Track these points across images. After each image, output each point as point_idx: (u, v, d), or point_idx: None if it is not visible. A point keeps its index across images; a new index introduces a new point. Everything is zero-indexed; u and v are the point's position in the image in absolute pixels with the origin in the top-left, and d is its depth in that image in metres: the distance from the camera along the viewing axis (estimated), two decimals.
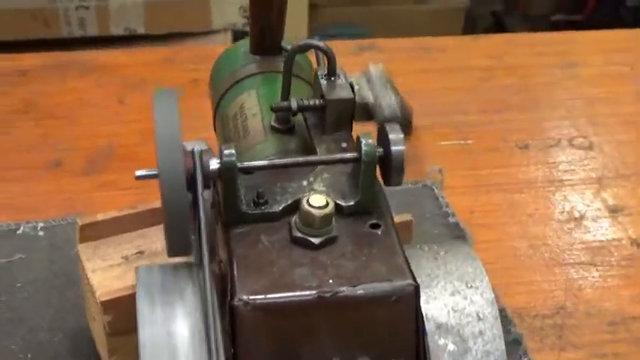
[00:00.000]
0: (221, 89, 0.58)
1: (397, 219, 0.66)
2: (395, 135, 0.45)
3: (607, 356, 0.67)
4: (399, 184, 0.45)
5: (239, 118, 0.54)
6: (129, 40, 1.78)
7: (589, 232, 0.78)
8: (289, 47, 0.57)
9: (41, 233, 0.76)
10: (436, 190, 0.81)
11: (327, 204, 0.44)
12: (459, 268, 0.45)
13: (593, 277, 0.73)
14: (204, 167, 0.43)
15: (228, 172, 0.44)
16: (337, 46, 1.03)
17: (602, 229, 0.78)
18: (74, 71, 0.96)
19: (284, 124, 0.52)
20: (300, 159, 0.47)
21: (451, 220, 0.78)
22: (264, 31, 0.55)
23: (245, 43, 0.59)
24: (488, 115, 0.92)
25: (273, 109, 0.50)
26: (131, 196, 0.73)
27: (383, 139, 0.46)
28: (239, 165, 0.44)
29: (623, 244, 0.76)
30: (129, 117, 0.90)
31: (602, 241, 0.77)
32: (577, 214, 0.79)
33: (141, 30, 1.76)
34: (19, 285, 0.71)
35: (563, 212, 0.80)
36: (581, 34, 1.08)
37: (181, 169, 0.41)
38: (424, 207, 0.80)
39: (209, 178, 0.44)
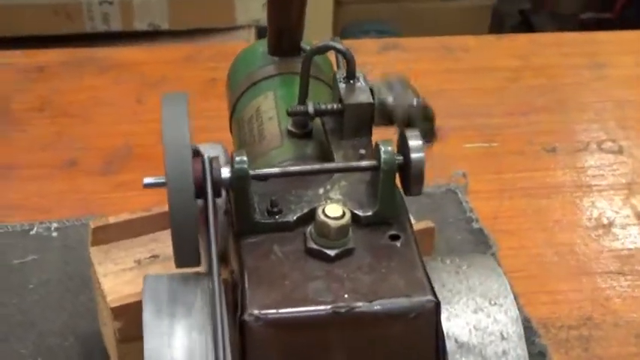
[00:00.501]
0: (237, 91, 0.56)
1: (419, 226, 0.64)
2: (415, 142, 0.43)
3: None
4: (419, 193, 0.43)
5: (255, 121, 0.52)
6: (152, 35, 1.77)
7: (617, 239, 0.75)
8: (308, 48, 0.55)
9: (55, 234, 0.74)
10: (460, 195, 0.79)
11: (344, 214, 0.42)
12: (483, 283, 0.42)
13: (621, 286, 0.71)
14: (215, 175, 0.41)
15: (240, 180, 0.42)
16: (361, 45, 1.02)
17: (632, 237, 0.75)
18: (92, 68, 0.95)
19: (301, 128, 0.50)
20: (316, 166, 0.44)
21: (475, 225, 0.76)
22: (282, 32, 0.53)
23: (263, 44, 0.57)
24: (514, 118, 0.89)
25: (289, 114, 0.48)
26: (148, 197, 0.71)
27: (403, 146, 0.43)
28: (251, 173, 0.42)
29: None
30: (147, 116, 0.89)
31: (630, 249, 0.74)
32: (605, 221, 0.77)
33: (165, 26, 1.75)
34: (31, 287, 0.69)
35: (590, 219, 0.77)
36: (611, 34, 1.06)
37: (190, 179, 0.39)
38: (447, 212, 0.78)
39: (220, 186, 0.42)
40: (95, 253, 0.61)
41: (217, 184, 0.41)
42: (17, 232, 0.74)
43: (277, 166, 0.48)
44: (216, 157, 0.42)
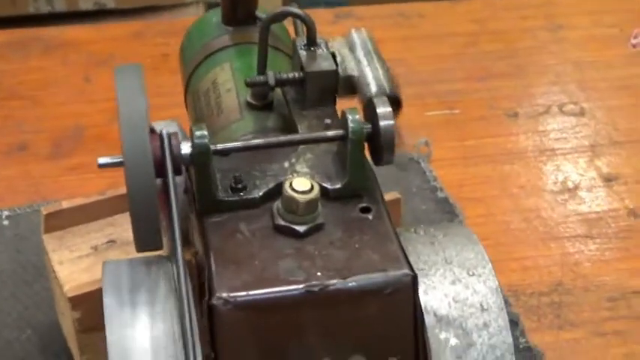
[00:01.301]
0: (192, 63, 0.53)
1: (386, 197, 0.62)
2: (383, 109, 0.41)
3: (607, 334, 0.63)
4: (390, 162, 0.41)
5: (212, 94, 0.50)
6: (98, 15, 1.72)
7: (584, 202, 0.74)
8: (264, 16, 0.53)
9: (6, 222, 0.71)
10: (423, 164, 0.78)
11: (312, 188, 0.39)
12: (459, 253, 0.41)
13: (590, 250, 0.70)
14: (175, 152, 0.39)
15: (201, 156, 0.39)
16: (314, 15, 0.98)
17: (598, 200, 0.74)
18: (38, 49, 0.91)
19: (261, 100, 0.47)
20: (281, 138, 0.42)
21: (440, 194, 0.75)
22: (235, 1, 0.51)
23: (217, 13, 0.54)
24: (473, 83, 0.88)
25: (247, 84, 0.46)
26: (102, 180, 0.69)
27: (371, 114, 0.41)
28: (213, 148, 0.40)
29: (620, 214, 0.73)
30: (96, 96, 0.86)
31: (598, 212, 0.73)
32: (571, 185, 0.76)
33: (111, 4, 1.71)
34: None
35: (556, 183, 0.76)
36: None
37: (149, 157, 0.37)
38: (411, 182, 0.76)
39: (180, 163, 0.39)
40: (49, 240, 0.58)
41: (177, 161, 0.39)
42: None
43: (239, 140, 0.45)
44: (175, 133, 0.40)
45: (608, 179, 0.76)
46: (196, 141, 0.39)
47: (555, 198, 0.75)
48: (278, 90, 0.47)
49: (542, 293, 0.66)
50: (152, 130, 0.54)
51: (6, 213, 0.72)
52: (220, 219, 0.40)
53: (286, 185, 0.39)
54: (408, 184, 0.76)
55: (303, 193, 0.39)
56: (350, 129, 0.40)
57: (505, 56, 0.91)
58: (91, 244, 0.58)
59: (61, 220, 0.59)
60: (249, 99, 0.48)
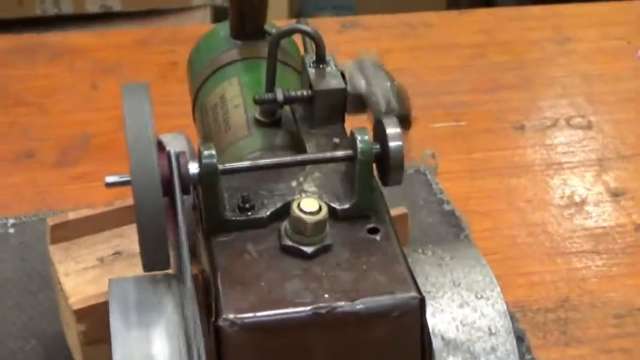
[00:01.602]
0: (200, 77, 0.53)
1: (392, 212, 0.62)
2: (392, 129, 0.40)
3: (613, 351, 0.63)
4: (399, 182, 0.41)
5: (220, 110, 0.50)
6: (104, 18, 1.73)
7: (591, 217, 0.74)
8: (273, 31, 0.53)
9: (11, 230, 0.71)
10: (429, 176, 0.77)
11: (320, 208, 0.39)
12: (467, 275, 0.40)
13: (597, 266, 0.70)
14: (182, 171, 0.39)
15: (209, 176, 0.39)
16: (320, 24, 0.99)
17: (605, 214, 0.74)
18: (44, 55, 0.91)
19: (269, 116, 0.47)
20: (289, 158, 0.42)
21: (446, 207, 0.74)
22: (244, 15, 0.51)
23: (225, 27, 0.54)
24: (480, 95, 0.87)
25: (256, 102, 0.45)
26: (107, 189, 0.68)
27: (380, 134, 0.41)
28: (221, 168, 0.40)
29: (627, 230, 0.72)
30: (103, 104, 0.86)
31: (604, 227, 0.73)
32: (578, 199, 0.75)
33: (117, 7, 1.71)
34: None
35: (563, 197, 0.76)
36: (574, 6, 1.04)
37: (156, 177, 0.36)
38: (417, 194, 0.76)
39: (188, 183, 0.39)
40: (55, 251, 0.58)
41: (185, 180, 0.39)
42: None
43: (247, 159, 0.45)
44: (183, 152, 0.39)
45: (615, 194, 0.76)
46: (204, 161, 0.39)
47: (562, 212, 0.74)
48: (286, 107, 0.47)
49: (548, 309, 0.66)
50: (160, 145, 0.54)
51: (12, 221, 0.72)
52: (227, 239, 0.40)
53: (294, 206, 0.39)
54: (415, 197, 0.75)
55: (311, 214, 0.39)
56: (359, 149, 0.40)
57: (512, 68, 0.91)
58: (97, 255, 0.58)
59: (67, 231, 0.59)
60: (257, 116, 0.47)
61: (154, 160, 0.36)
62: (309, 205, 0.39)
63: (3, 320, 0.64)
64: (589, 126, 0.84)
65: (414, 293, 0.38)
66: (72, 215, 0.59)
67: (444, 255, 0.42)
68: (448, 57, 0.93)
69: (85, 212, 0.59)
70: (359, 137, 0.40)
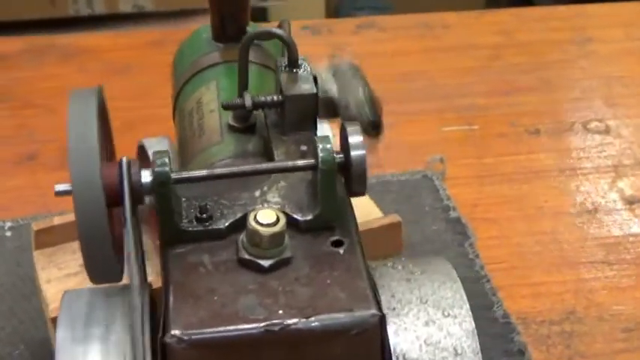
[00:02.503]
0: (180, 80, 0.52)
1: (384, 220, 0.60)
2: (355, 138, 0.38)
3: None
4: (362, 193, 0.39)
5: (195, 114, 0.48)
6: (137, 18, 1.73)
7: (603, 226, 0.71)
8: (281, 33, 0.51)
9: (8, 233, 0.70)
10: (437, 182, 0.75)
11: (278, 220, 0.37)
12: (436, 292, 0.38)
13: (606, 277, 0.67)
14: (134, 180, 0.37)
15: (161, 186, 0.38)
16: (336, 24, 0.98)
17: (618, 223, 0.71)
18: (54, 56, 0.91)
19: (242, 122, 0.46)
20: (247, 167, 0.40)
21: (452, 214, 0.72)
22: (224, 17, 0.49)
23: (208, 29, 0.52)
24: (495, 98, 0.85)
25: (224, 107, 0.44)
26: None
27: (343, 142, 0.39)
28: (175, 177, 0.38)
29: None
30: (111, 105, 0.84)
31: (617, 236, 0.70)
32: (590, 207, 0.73)
33: (150, 7, 1.71)
34: None
35: (575, 205, 0.73)
36: (600, 6, 1.01)
37: (97, 186, 0.35)
38: (423, 200, 0.74)
39: (141, 192, 0.38)
40: (39, 257, 0.57)
41: (137, 190, 0.37)
42: None
43: (216, 166, 0.44)
44: (135, 161, 0.38)
45: (630, 202, 0.73)
46: (157, 169, 0.38)
47: (573, 220, 0.72)
48: (261, 112, 0.45)
49: (553, 322, 0.63)
50: (141, 148, 0.52)
51: (9, 224, 0.71)
52: (183, 250, 0.39)
53: (250, 217, 0.37)
54: (420, 203, 0.73)
55: (267, 225, 0.37)
56: (320, 159, 0.38)
57: (530, 70, 0.88)
58: (80, 262, 0.56)
59: (52, 237, 0.58)
60: (230, 121, 0.46)
61: (96, 167, 0.35)
62: (265, 216, 0.37)
63: None
64: (607, 130, 0.81)
65: (373, 310, 0.36)
66: (57, 220, 0.58)
67: (415, 269, 0.40)
68: (465, 59, 0.90)
69: (71, 217, 0.58)
70: (320, 146, 0.38)
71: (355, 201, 0.62)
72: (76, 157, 0.35)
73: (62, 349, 0.36)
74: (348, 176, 0.39)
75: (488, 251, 0.69)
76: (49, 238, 0.57)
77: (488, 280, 0.66)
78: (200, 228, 0.39)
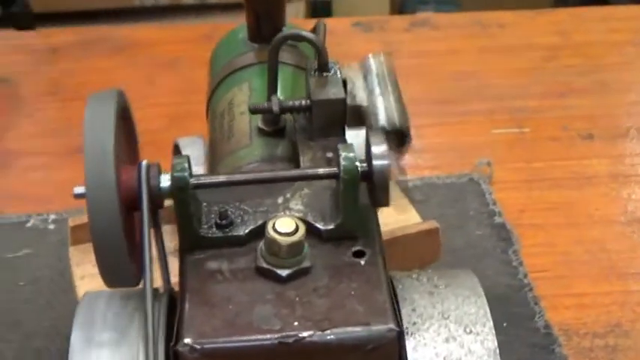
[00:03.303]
0: (215, 80, 0.51)
1: (422, 226, 0.59)
2: (378, 147, 0.37)
3: None
4: (386, 204, 0.38)
5: (226, 116, 0.47)
6: (201, 9, 1.73)
7: None
8: (310, 35, 0.50)
9: (52, 227, 0.71)
10: (483, 185, 0.73)
11: (297, 229, 0.37)
12: (459, 307, 0.37)
13: None
14: (152, 185, 0.37)
15: (179, 191, 0.37)
16: (388, 22, 0.96)
17: None
18: (105, 49, 0.91)
19: (272, 125, 0.45)
20: (266, 175, 0.39)
21: (497, 220, 0.70)
22: (259, 17, 0.48)
23: (244, 29, 0.52)
24: (549, 100, 0.83)
25: (251, 110, 0.43)
26: None
27: (367, 151, 0.38)
28: (193, 182, 0.37)
29: None
30: (158, 99, 0.85)
31: None
32: None
33: None
34: (21, 284, 0.66)
35: (626, 213, 0.71)
36: None
37: (112, 190, 0.34)
38: (468, 204, 0.72)
39: (160, 197, 0.37)
40: (74, 252, 0.57)
41: (155, 194, 0.37)
42: (14, 224, 0.71)
43: (244, 170, 0.43)
44: (154, 164, 0.37)
45: None
46: (175, 174, 0.37)
47: (623, 230, 0.69)
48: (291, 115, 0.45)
49: (596, 334, 0.61)
50: (176, 147, 0.52)
51: (52, 217, 0.71)
52: (202, 256, 0.38)
53: (269, 226, 0.37)
54: (465, 207, 0.72)
55: (286, 235, 0.36)
56: (342, 168, 0.37)
57: (586, 72, 0.86)
58: None
59: (88, 233, 0.57)
60: (260, 124, 0.45)
61: (111, 174, 0.35)
62: (284, 225, 0.37)
63: (32, 318, 0.63)
64: None
65: (391, 325, 0.35)
66: None
67: (440, 282, 0.38)
68: (518, 59, 0.88)
69: None
70: (343, 154, 0.37)
71: (394, 205, 0.62)
72: (92, 161, 0.35)
73: (74, 352, 0.36)
74: (370, 186, 0.38)
75: (533, 259, 0.67)
76: (84, 234, 0.57)
77: (531, 289, 0.64)
78: (219, 234, 0.38)
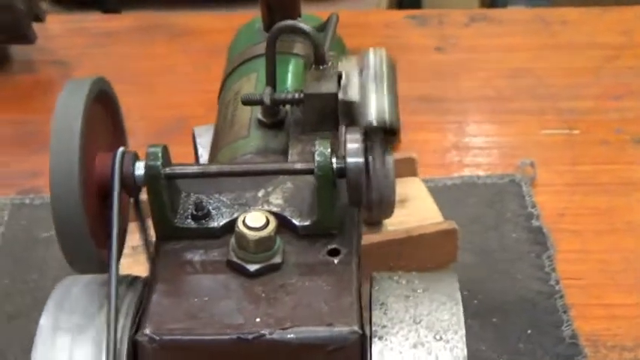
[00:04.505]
0: (228, 69, 0.51)
1: (439, 226, 0.57)
2: (353, 145, 0.36)
3: None
4: (358, 204, 0.37)
5: (231, 106, 0.47)
6: None
7: None
8: (305, 27, 0.50)
9: None
10: (524, 187, 0.71)
11: (267, 224, 0.36)
12: (432, 312, 0.36)
13: None
14: (125, 172, 0.37)
15: (152, 179, 0.37)
16: (446, 15, 0.94)
17: None
18: (163, 35, 0.92)
19: (270, 117, 0.44)
20: (241, 167, 0.39)
21: (535, 223, 0.68)
22: (271, 7, 0.48)
23: (260, 19, 0.51)
24: (604, 102, 0.80)
25: (243, 102, 0.43)
26: None
27: (343, 148, 0.37)
28: (168, 171, 0.37)
29: None
30: (209, 86, 0.84)
31: None
32: None
33: None
34: (53, 263, 0.67)
35: None
36: None
37: (75, 176, 0.34)
38: (507, 205, 0.70)
39: (135, 185, 0.37)
40: None
41: (129, 181, 0.37)
42: (48, 204, 0.72)
43: (230, 161, 0.43)
44: (132, 152, 0.37)
45: None
46: (148, 162, 0.37)
47: None
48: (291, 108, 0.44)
49: (625, 347, 0.59)
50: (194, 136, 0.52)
51: None
52: (176, 246, 0.38)
53: (239, 220, 0.36)
54: (502, 208, 0.70)
55: (255, 229, 0.36)
56: (316, 164, 0.36)
57: None
58: (132, 243, 0.57)
59: None
60: (259, 116, 0.44)
61: (75, 158, 0.34)
62: (254, 219, 0.36)
63: None
64: None
65: (355, 327, 0.34)
66: None
67: (419, 286, 0.37)
68: (578, 58, 0.86)
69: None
70: (318, 150, 0.36)
71: (417, 203, 0.60)
72: (57, 145, 0.35)
73: (40, 335, 0.36)
74: (347, 185, 0.37)
75: (567, 265, 0.65)
76: None
77: (561, 297, 0.62)
78: (194, 225, 0.38)
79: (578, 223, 0.68)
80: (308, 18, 0.51)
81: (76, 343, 0.36)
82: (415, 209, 0.59)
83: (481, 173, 0.73)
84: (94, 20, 0.95)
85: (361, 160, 0.36)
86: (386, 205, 0.38)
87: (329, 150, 0.36)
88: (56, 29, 0.94)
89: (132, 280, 0.39)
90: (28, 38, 0.85)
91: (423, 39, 0.88)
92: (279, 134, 0.44)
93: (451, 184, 0.72)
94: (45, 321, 0.37)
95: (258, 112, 0.45)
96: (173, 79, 0.87)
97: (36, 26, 0.88)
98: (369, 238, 0.56)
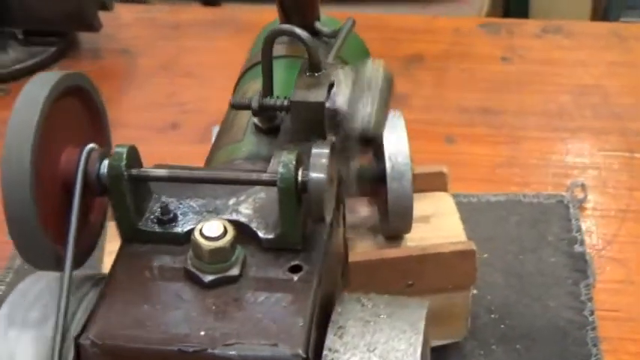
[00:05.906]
0: (242, 69, 0.49)
1: (457, 246, 0.55)
2: (317, 159, 0.34)
3: None
4: (320, 220, 0.35)
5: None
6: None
7: None
8: (325, 29, 0.48)
9: None
10: (572, 209, 0.68)
11: (225, 234, 0.35)
12: (389, 341, 0.34)
13: None
14: (90, 170, 0.36)
15: (113, 180, 0.36)
16: (519, 26, 0.91)
17: None
18: (229, 29, 0.92)
19: (266, 123, 0.43)
20: (206, 174, 0.38)
21: (577, 248, 0.65)
22: (287, 10, 0.46)
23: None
24: None
25: (232, 105, 0.41)
26: None
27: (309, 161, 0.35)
28: (133, 172, 0.36)
29: None
30: None
31: None
32: None
33: None
34: None
35: None
36: None
37: (26, 171, 0.34)
38: (550, 227, 0.67)
39: (99, 183, 0.36)
40: (111, 227, 0.57)
41: (92, 179, 0.36)
42: None
43: (222, 166, 0.42)
44: (99, 150, 0.37)
45: None
46: (111, 162, 0.36)
47: None
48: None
49: None
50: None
51: None
52: (139, 250, 0.37)
53: (197, 228, 0.35)
54: (545, 230, 0.67)
55: (210, 239, 0.35)
56: (278, 175, 0.35)
57: None
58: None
59: None
60: (255, 121, 0.43)
61: (27, 153, 0.34)
62: (211, 229, 0.35)
63: None
64: None
65: (299, 351, 0.32)
66: None
67: (383, 311, 0.35)
68: None
69: None
70: (282, 161, 0.35)
71: (442, 219, 0.58)
72: (12, 138, 0.34)
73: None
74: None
75: (606, 296, 0.62)
76: None
77: (593, 328, 0.59)
78: (158, 229, 0.37)
79: (624, 251, 0.65)
80: (328, 21, 0.49)
81: (26, 340, 0.35)
82: (439, 226, 0.56)
83: (528, 192, 0.70)
84: (164, 12, 0.95)
85: (324, 175, 0.34)
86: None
87: (294, 162, 0.35)
88: (127, 18, 0.95)
89: (98, 280, 0.38)
90: (93, 27, 0.86)
91: (490, 48, 0.85)
92: (273, 141, 0.42)
93: (495, 201, 0.69)
94: (2, 314, 0.36)
95: (255, 117, 0.44)
96: (232, 73, 0.86)
97: (107, 15, 0.89)
98: (384, 253, 0.54)
